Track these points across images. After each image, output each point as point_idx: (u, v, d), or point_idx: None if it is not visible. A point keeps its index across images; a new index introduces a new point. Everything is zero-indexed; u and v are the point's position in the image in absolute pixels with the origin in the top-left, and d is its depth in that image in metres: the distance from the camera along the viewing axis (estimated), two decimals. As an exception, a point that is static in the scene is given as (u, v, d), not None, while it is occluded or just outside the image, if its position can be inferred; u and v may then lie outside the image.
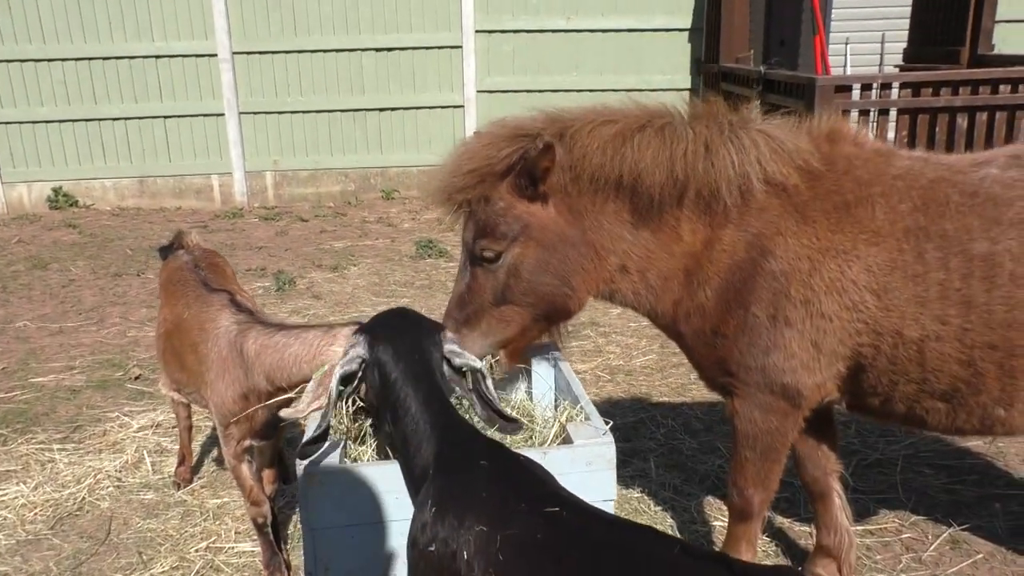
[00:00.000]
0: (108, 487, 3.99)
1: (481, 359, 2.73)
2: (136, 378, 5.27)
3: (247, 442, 3.08)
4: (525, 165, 2.57)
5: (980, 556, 3.36)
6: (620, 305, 2.88)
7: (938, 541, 3.47)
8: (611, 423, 2.48)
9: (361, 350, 2.13)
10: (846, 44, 12.88)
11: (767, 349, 2.62)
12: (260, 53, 10.27)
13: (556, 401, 2.96)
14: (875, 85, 7.24)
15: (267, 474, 3.30)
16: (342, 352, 2.23)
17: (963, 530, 3.52)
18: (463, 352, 2.24)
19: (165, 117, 10.35)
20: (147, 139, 10.40)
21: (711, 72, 10.11)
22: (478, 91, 10.54)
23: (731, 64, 9.56)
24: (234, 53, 10.20)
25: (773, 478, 2.88)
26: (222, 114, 10.37)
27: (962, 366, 2.46)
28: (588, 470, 2.26)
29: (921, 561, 3.37)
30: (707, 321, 2.70)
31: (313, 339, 2.71)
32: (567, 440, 2.42)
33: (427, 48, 10.42)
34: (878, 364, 2.57)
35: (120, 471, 4.12)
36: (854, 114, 7.09)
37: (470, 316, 2.76)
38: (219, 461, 4.21)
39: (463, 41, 10.38)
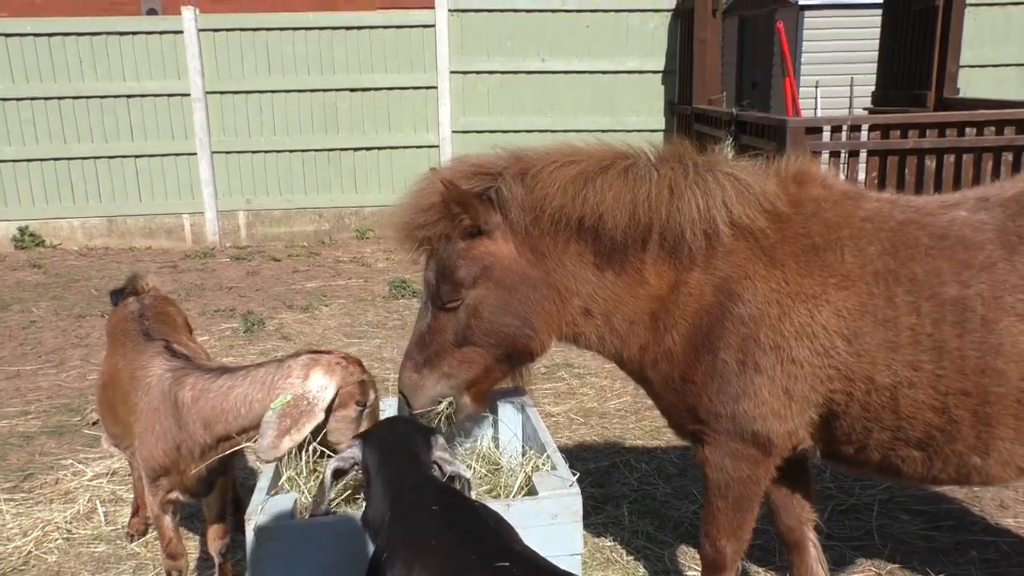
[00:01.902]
0: (57, 539, 3.81)
1: (442, 400, 2.66)
2: (94, 423, 5.10)
3: (174, 495, 2.93)
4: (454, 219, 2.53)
5: (957, 606, 3.28)
6: (584, 348, 2.81)
7: (915, 591, 3.39)
8: (577, 474, 2.39)
9: (355, 452, 2.25)
10: (816, 87, 13.11)
11: (737, 396, 2.54)
12: (234, 93, 10.24)
13: (523, 449, 2.87)
14: (845, 127, 7.32)
15: (215, 529, 3.14)
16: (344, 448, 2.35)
17: (941, 580, 3.44)
18: (453, 460, 2.28)
19: (136, 156, 10.25)
20: (117, 178, 10.28)
21: (684, 114, 10.20)
22: (453, 131, 10.56)
23: (703, 106, 9.65)
24: (207, 93, 10.16)
25: (746, 528, 2.78)
26: (194, 153, 10.29)
27: (936, 413, 2.39)
28: (553, 523, 2.17)
29: (898, 611, 3.28)
30: (675, 367, 2.63)
31: (265, 376, 2.60)
32: (532, 491, 2.33)
33: (402, 88, 10.44)
34: (851, 411, 2.50)
35: (71, 522, 3.94)
36: (825, 156, 7.15)
37: (431, 357, 2.69)
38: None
39: (438, 82, 10.42)
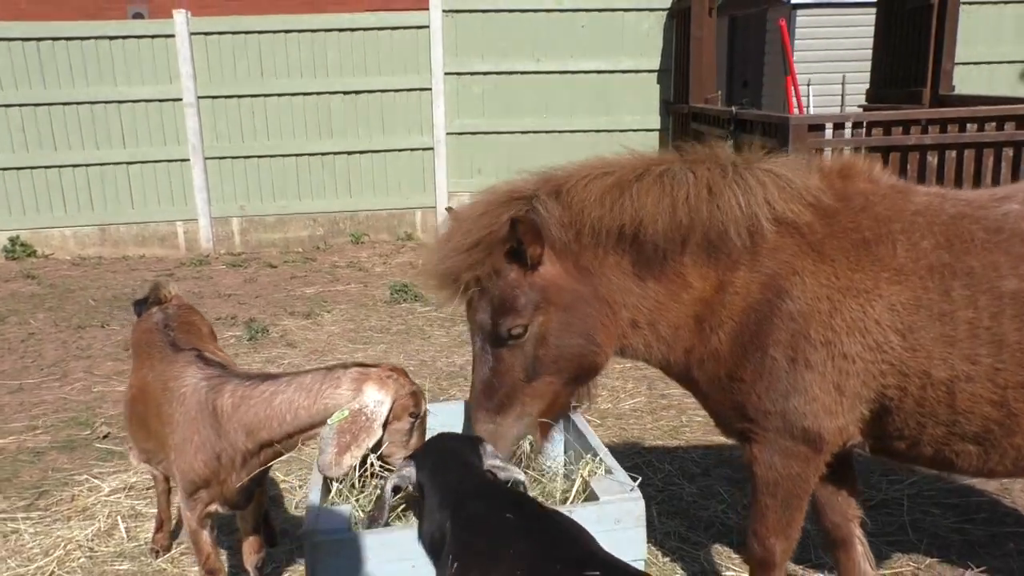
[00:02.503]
0: (79, 558, 3.71)
1: (522, 441, 2.58)
2: (104, 437, 5.00)
3: (214, 507, 2.86)
4: (508, 246, 2.47)
5: (1000, 600, 3.26)
6: (631, 359, 2.77)
7: (955, 586, 3.37)
8: (639, 479, 2.34)
9: (412, 470, 2.23)
10: (808, 85, 13.15)
11: (787, 393, 2.51)
12: (226, 97, 10.13)
13: (567, 453, 2.82)
14: (847, 124, 7.34)
15: (251, 543, 3.07)
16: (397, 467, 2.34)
17: (981, 572, 3.42)
18: (506, 466, 2.26)
19: (128, 163, 10.11)
20: (109, 186, 10.14)
21: (680, 113, 10.19)
22: (447, 133, 10.50)
23: (700, 105, 9.65)
24: (199, 97, 10.04)
25: (795, 526, 2.75)
26: (187, 159, 10.17)
27: (994, 407, 2.37)
28: (616, 528, 2.12)
29: (941, 607, 3.26)
30: (722, 366, 2.59)
31: (312, 383, 2.55)
32: (592, 496, 2.27)
33: (396, 91, 10.37)
34: (905, 406, 2.47)
35: (92, 540, 3.85)
36: (827, 152, 7.15)
37: (503, 401, 2.58)
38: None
39: (432, 83, 10.36)
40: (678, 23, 10.32)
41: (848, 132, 7.19)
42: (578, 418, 2.79)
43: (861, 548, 3.01)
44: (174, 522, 3.88)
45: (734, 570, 3.52)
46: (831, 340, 2.45)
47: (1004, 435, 2.41)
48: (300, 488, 4.29)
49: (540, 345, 2.55)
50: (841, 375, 2.46)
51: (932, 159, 7.13)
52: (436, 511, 1.97)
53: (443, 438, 2.38)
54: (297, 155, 10.35)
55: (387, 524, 2.21)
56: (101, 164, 10.05)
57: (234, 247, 10.43)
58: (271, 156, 10.31)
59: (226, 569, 2.96)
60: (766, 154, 2.78)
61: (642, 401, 5.41)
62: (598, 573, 1.53)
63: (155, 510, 3.79)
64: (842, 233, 2.51)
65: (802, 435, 2.55)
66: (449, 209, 2.83)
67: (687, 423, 5.05)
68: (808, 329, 2.46)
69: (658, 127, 10.70)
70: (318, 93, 10.27)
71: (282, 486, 4.30)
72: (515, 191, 2.63)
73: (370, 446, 2.45)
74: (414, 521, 2.34)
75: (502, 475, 2.23)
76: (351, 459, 2.39)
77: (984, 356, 2.34)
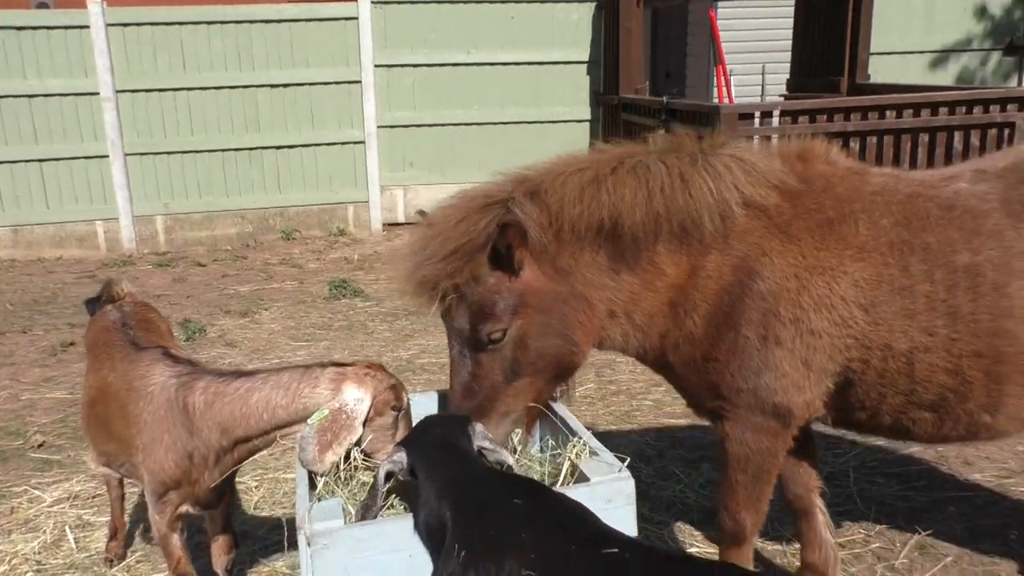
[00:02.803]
0: (27, 572, 3.54)
1: (505, 443, 2.59)
2: (39, 446, 4.78)
3: (184, 508, 2.79)
4: (492, 250, 2.49)
5: (949, 559, 3.43)
6: (608, 350, 2.82)
7: (906, 548, 3.53)
8: (627, 459, 2.38)
9: (403, 455, 2.21)
10: (730, 76, 13.46)
11: (758, 370, 2.59)
12: (147, 91, 9.78)
13: (549, 438, 2.83)
14: (775, 112, 7.56)
15: (221, 543, 2.99)
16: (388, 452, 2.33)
17: (927, 535, 3.60)
18: (495, 447, 2.25)
19: (41, 160, 9.66)
20: (21, 184, 9.66)
21: (610, 104, 10.32)
22: (379, 126, 10.38)
23: (631, 95, 9.80)
24: (118, 91, 9.67)
25: (764, 499, 2.84)
26: (106, 156, 9.78)
27: (950, 375, 2.49)
28: (608, 507, 2.14)
29: (895, 569, 3.41)
30: (697, 348, 2.65)
31: (290, 382, 2.50)
32: (582, 478, 2.30)
33: (325, 84, 10.20)
34: (867, 378, 2.58)
35: (39, 552, 3.67)
36: (756, 140, 7.36)
37: (483, 403, 2.59)
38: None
39: (362, 76, 10.22)
40: (606, 14, 10.45)
41: (776, 120, 7.43)
42: (558, 405, 2.81)
43: (822, 517, 3.13)
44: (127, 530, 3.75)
45: (697, 546, 3.62)
46: (799, 317, 2.54)
47: (958, 402, 2.54)
48: (256, 489, 4.20)
49: (519, 348, 2.57)
50: (809, 351, 2.55)
51: (854, 145, 7.41)
52: (433, 499, 1.95)
53: (430, 423, 2.36)
54: (223, 150, 10.07)
55: (380, 512, 2.19)
56: (12, 162, 9.58)
57: (159, 246, 10.08)
58: (196, 152, 10.00)
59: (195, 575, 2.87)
60: (726, 141, 2.86)
61: (592, 388, 5.48)
62: (616, 550, 1.55)
63: (104, 518, 3.66)
64: (807, 214, 2.60)
65: (773, 410, 2.63)
66: (421, 213, 2.81)
67: (637, 407, 5.14)
68: (778, 307, 2.54)
69: (588, 118, 10.82)
70: (244, 86, 10.01)
71: (238, 487, 4.20)
72: (490, 196, 2.62)
73: (352, 443, 2.42)
74: (406, 510, 2.33)
75: (491, 457, 2.23)
76: (333, 456, 2.37)
77: (941, 327, 2.46)
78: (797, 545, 3.54)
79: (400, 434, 2.53)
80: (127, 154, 9.82)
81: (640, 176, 2.62)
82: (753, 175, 2.63)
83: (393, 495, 2.37)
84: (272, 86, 10.08)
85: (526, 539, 1.66)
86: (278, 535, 3.75)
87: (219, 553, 2.98)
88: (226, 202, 10.20)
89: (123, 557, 3.59)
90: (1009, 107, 7.37)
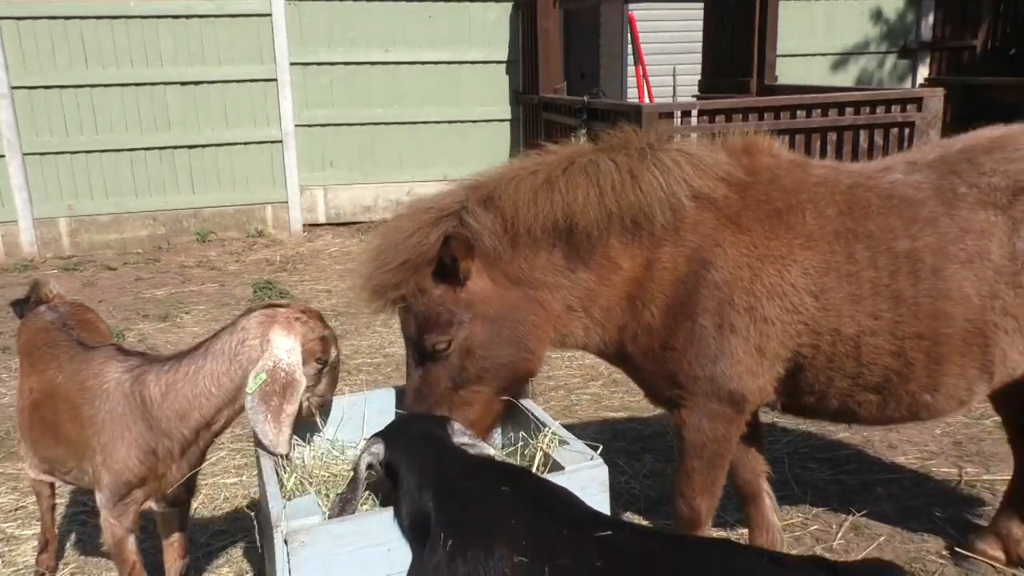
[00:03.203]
0: (-51, 594, 3.33)
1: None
2: (-51, 461, 4.48)
3: (148, 505, 2.68)
4: (439, 263, 2.54)
5: (883, 538, 3.60)
6: (572, 348, 2.86)
7: (842, 529, 3.68)
8: (600, 447, 2.40)
9: (380, 447, 2.19)
10: (642, 77, 13.73)
11: (715, 357, 2.66)
12: (45, 88, 9.29)
13: (516, 430, 2.83)
14: (693, 111, 7.77)
15: (176, 545, 2.87)
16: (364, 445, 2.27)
17: (861, 516, 3.76)
18: (475, 442, 2.27)
19: (-69, 161, 9.06)
20: (-92, 187, 9.04)
21: (530, 103, 10.40)
22: (296, 125, 10.16)
23: (550, 95, 9.89)
24: (13, 88, 9.15)
25: (718, 485, 2.92)
26: (2, 156, 9.23)
27: (894, 357, 2.62)
28: (583, 495, 2.15)
29: (832, 550, 3.55)
30: (655, 338, 2.70)
31: (223, 346, 2.46)
32: (555, 467, 2.31)
33: (239, 81, 9.91)
34: (816, 362, 2.68)
35: (-40, 572, 3.45)
36: (677, 138, 7.53)
37: (432, 408, 2.63)
38: (87, 540, 3.66)
39: (277, 74, 9.98)
40: (523, 14, 10.51)
41: (694, 119, 7.64)
42: (524, 399, 2.81)
43: (769, 501, 3.24)
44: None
45: (647, 535, 3.68)
46: (753, 305, 2.62)
47: (901, 383, 2.67)
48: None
49: (466, 357, 2.61)
50: (762, 337, 2.64)
51: (769, 144, 7.68)
52: (415, 491, 1.93)
53: (407, 419, 2.34)
54: (132, 149, 9.66)
55: (357, 507, 2.15)
56: (-102, 163, 8.95)
57: (63, 250, 9.59)
58: (101, 151, 9.56)
59: None
60: (671, 136, 2.94)
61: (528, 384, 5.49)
62: (609, 532, 1.56)
63: (30, 531, 3.46)
64: (756, 205, 2.68)
65: (728, 397, 2.71)
66: (394, 219, 2.83)
67: (576, 402, 5.19)
68: (732, 296, 2.62)
69: (509, 117, 10.86)
70: (152, 84, 9.63)
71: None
72: (443, 208, 2.67)
73: (300, 395, 2.40)
74: (374, 503, 2.29)
75: (472, 452, 2.22)
76: (288, 419, 2.35)
77: (885, 311, 2.58)
78: (741, 530, 3.67)
79: (323, 388, 2.54)
80: (25, 154, 9.30)
81: (591, 175, 2.68)
82: (701, 168, 2.71)
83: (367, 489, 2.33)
84: (182, 83, 9.73)
85: (515, 525, 1.66)
86: (221, 541, 3.63)
87: (174, 557, 2.86)
88: (136, 203, 9.79)
89: (55, 570, 3.40)
90: (909, 107, 7.78)
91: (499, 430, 2.88)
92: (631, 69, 13.74)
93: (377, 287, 2.64)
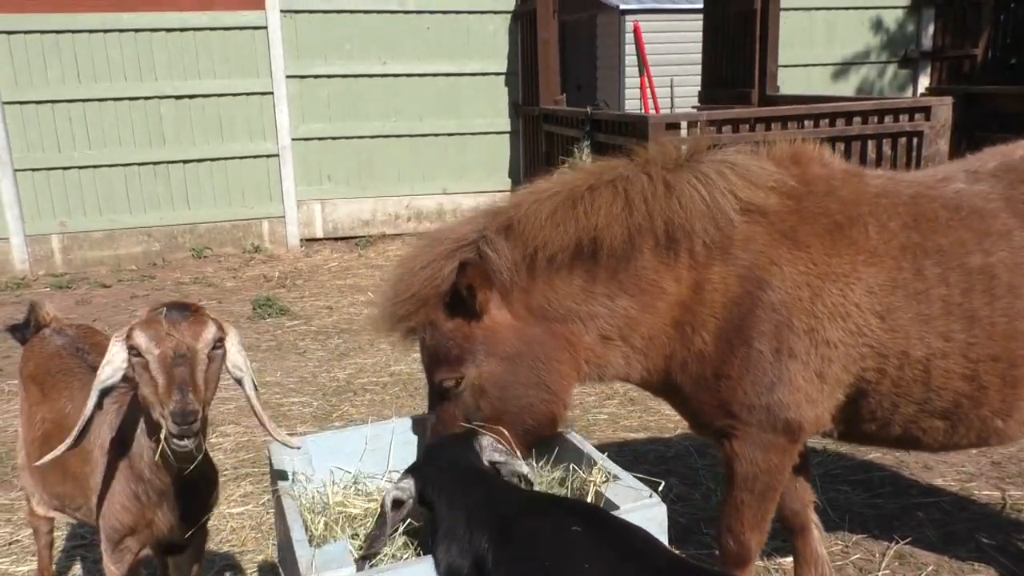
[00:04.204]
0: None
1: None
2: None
3: (145, 554, 2.48)
4: (453, 292, 2.39)
5: (930, 568, 3.43)
6: (611, 380, 2.67)
7: (886, 558, 3.52)
8: (663, 483, 2.21)
9: (410, 483, 2.05)
10: (638, 88, 13.65)
11: (771, 385, 2.48)
12: (37, 103, 9.09)
13: (563, 463, 2.62)
14: (700, 122, 7.64)
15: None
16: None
17: (905, 544, 3.58)
18: (508, 459, 2.12)
19: (-82, 178, 8.82)
20: None
21: (531, 115, 10.25)
22: (293, 139, 9.97)
23: (551, 106, 9.74)
24: (5, 103, 8.94)
25: (769, 519, 2.74)
26: (-7, 172, 9.01)
27: (966, 381, 2.45)
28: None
29: (879, 580, 3.38)
30: (707, 366, 2.52)
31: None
32: (609, 505, 2.11)
33: (234, 95, 9.72)
34: (881, 388, 2.51)
35: (-44, 617, 3.24)
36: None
37: None
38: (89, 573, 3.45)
39: (273, 87, 9.80)
40: (523, 25, 10.39)
41: (695, 130, 7.49)
42: (571, 434, 2.60)
43: (817, 533, 3.07)
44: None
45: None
46: (814, 327, 2.44)
47: (972, 408, 2.50)
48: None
49: (480, 397, 2.44)
50: (823, 362, 2.46)
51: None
52: (463, 532, 1.74)
53: (436, 446, 2.17)
54: (125, 165, 9.45)
55: (383, 546, 1.98)
56: None
57: (55, 267, 9.35)
58: (95, 167, 9.35)
59: None
60: (713, 147, 2.76)
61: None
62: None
63: (25, 567, 3.27)
64: (812, 218, 2.51)
65: (784, 427, 2.53)
66: (400, 258, 2.74)
67: (593, 421, 5.01)
68: (791, 318, 2.44)
69: (508, 129, 10.71)
70: (146, 98, 9.43)
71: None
72: (460, 239, 2.52)
73: (94, 396, 2.13)
74: (408, 542, 2.10)
75: (505, 469, 2.08)
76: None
77: (958, 332, 2.41)
78: (780, 560, 3.49)
79: (160, 386, 2.04)
80: (17, 170, 9.08)
81: (619, 189, 2.49)
82: (747, 179, 2.53)
83: (398, 528, 2.15)
84: (177, 97, 9.53)
85: (592, 571, 1.47)
86: (233, 581, 3.42)
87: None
88: (130, 219, 9.56)
89: (56, 614, 3.18)
90: (917, 116, 7.66)
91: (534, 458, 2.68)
92: (628, 80, 13.65)
93: (388, 317, 2.52)
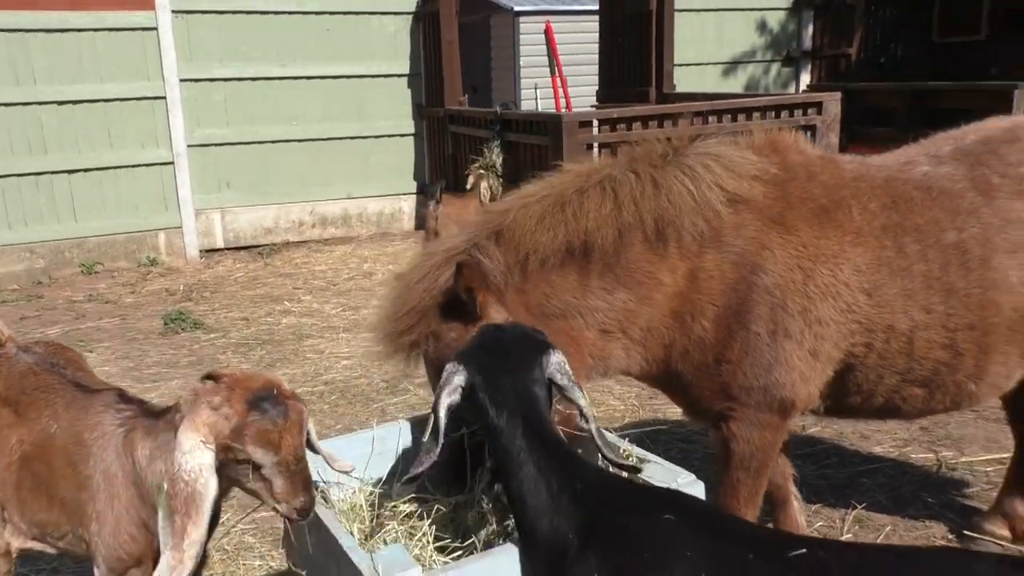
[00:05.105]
0: None
1: None
2: None
3: None
4: (452, 298, 2.40)
5: (888, 528, 3.63)
6: (614, 374, 2.70)
7: (847, 524, 3.70)
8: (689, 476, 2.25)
9: (460, 378, 1.93)
10: (535, 89, 13.81)
11: (769, 366, 2.57)
12: (-102, 111, 8.30)
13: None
14: (611, 120, 7.80)
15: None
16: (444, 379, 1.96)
17: (862, 509, 3.78)
18: (571, 385, 1.98)
19: None
20: None
21: (435, 116, 10.20)
22: (188, 145, 9.53)
23: (456, 107, 9.72)
24: None
25: (761, 494, 2.85)
26: None
27: (945, 350, 2.62)
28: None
29: (845, 546, 3.54)
30: (708, 352, 2.59)
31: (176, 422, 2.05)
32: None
33: (123, 100, 9.18)
34: (868, 361, 2.64)
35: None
36: (595, 148, 7.56)
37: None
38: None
39: (166, 91, 9.33)
40: (424, 26, 10.32)
41: (607, 128, 7.66)
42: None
43: (796, 504, 3.20)
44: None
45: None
46: (807, 308, 2.55)
47: (949, 374, 2.67)
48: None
49: None
50: (817, 340, 2.57)
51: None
52: (548, 504, 1.70)
53: (499, 340, 2.02)
54: (3, 176, 8.76)
55: (434, 458, 1.91)
56: None
57: (-74, 291, 8.58)
58: (-33, 179, 8.63)
59: None
60: (693, 140, 2.83)
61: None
62: (803, 550, 1.42)
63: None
64: (799, 203, 2.62)
65: (779, 405, 2.63)
66: (399, 276, 2.73)
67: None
68: (785, 300, 2.54)
69: (413, 132, 10.62)
70: (24, 103, 8.77)
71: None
72: (451, 249, 2.54)
73: (207, 511, 1.95)
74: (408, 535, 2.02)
75: (565, 395, 1.96)
76: (193, 546, 1.92)
77: (938, 304, 2.57)
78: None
79: (281, 491, 1.99)
80: None
81: (607, 189, 2.57)
82: (731, 170, 2.63)
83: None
84: (59, 103, 8.92)
85: (691, 558, 1.48)
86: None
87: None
88: (9, 235, 8.87)
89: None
90: (809, 111, 8.11)
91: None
92: (524, 81, 13.78)
93: (389, 334, 2.52)
